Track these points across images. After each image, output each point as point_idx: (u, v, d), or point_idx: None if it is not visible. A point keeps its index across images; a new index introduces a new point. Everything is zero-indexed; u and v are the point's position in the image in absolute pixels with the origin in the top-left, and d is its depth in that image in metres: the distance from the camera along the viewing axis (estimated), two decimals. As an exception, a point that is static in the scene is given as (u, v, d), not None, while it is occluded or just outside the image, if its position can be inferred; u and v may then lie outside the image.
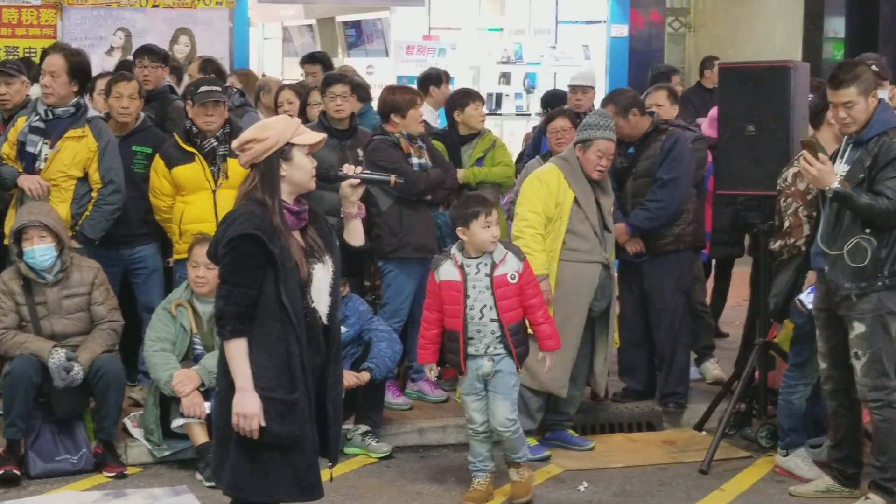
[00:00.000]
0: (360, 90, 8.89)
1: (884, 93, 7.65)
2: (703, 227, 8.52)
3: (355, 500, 6.56)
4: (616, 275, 7.60)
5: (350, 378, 7.02)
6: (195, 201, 7.40)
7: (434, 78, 9.53)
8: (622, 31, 13.17)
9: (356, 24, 16.13)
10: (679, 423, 7.89)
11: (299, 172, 4.58)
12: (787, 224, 6.75)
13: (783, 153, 7.11)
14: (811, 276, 6.54)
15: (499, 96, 13.36)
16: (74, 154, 7.22)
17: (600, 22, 13.50)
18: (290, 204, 4.58)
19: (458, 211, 6.44)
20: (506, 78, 13.88)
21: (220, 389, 4.62)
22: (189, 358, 6.94)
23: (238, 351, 4.46)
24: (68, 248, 6.95)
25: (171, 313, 6.99)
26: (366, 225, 5.30)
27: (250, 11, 12.40)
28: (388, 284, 7.77)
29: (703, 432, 7.64)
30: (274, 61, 18.84)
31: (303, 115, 8.43)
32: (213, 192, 7.40)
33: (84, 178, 7.27)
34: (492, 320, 6.30)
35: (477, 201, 6.41)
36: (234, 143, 4.64)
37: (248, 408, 4.44)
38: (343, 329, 7.23)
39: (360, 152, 7.73)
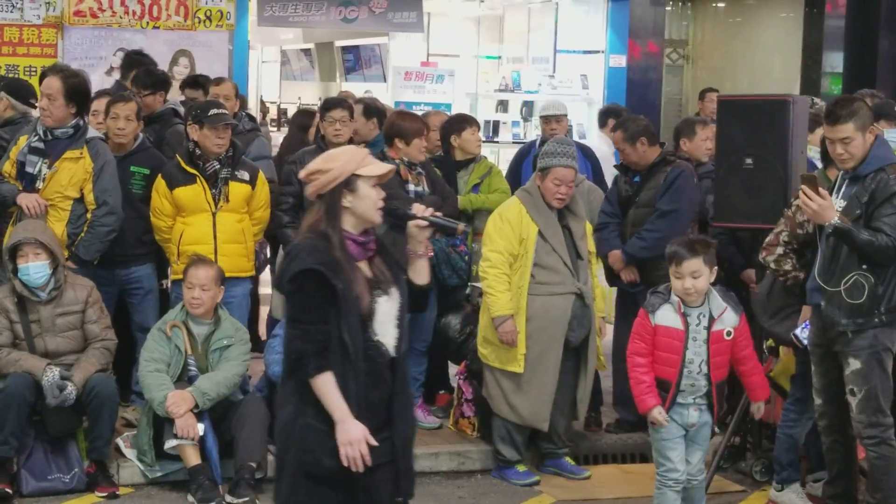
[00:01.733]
0: (380, 115, 8.87)
1: (893, 132, 7.64)
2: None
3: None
4: (608, 300, 7.59)
5: None
6: (195, 222, 7.40)
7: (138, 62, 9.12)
8: (620, 61, 13.22)
9: (354, 50, 16.19)
10: (672, 455, 7.86)
11: (363, 204, 4.48)
12: (768, 239, 6.77)
13: (781, 186, 7.12)
14: (806, 311, 6.53)
15: (496, 124, 13.38)
16: (71, 175, 7.22)
17: (599, 52, 13.55)
18: (354, 234, 4.49)
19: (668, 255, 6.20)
20: (503, 105, 13.93)
21: (279, 422, 4.55)
22: (183, 379, 6.93)
23: (328, 385, 4.36)
24: (62, 266, 6.94)
25: (165, 334, 6.98)
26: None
27: (250, 35, 12.43)
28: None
29: (697, 465, 7.62)
30: (272, 84, 18.93)
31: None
32: (213, 214, 7.41)
33: (81, 199, 7.27)
34: (703, 375, 6.09)
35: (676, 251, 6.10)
36: (302, 174, 4.55)
37: (352, 435, 4.34)
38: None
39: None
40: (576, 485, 7.28)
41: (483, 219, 8.15)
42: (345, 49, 16.46)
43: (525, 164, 9.10)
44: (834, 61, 13.24)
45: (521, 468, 7.30)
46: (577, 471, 7.42)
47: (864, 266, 6.11)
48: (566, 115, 9.89)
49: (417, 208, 4.66)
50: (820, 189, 6.09)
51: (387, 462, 4.49)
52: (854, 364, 6.20)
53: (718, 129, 7.68)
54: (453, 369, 8.26)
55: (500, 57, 14.63)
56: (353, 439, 4.34)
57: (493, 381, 7.31)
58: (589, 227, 7.47)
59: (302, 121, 9.86)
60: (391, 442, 4.51)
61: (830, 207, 6.05)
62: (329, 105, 7.97)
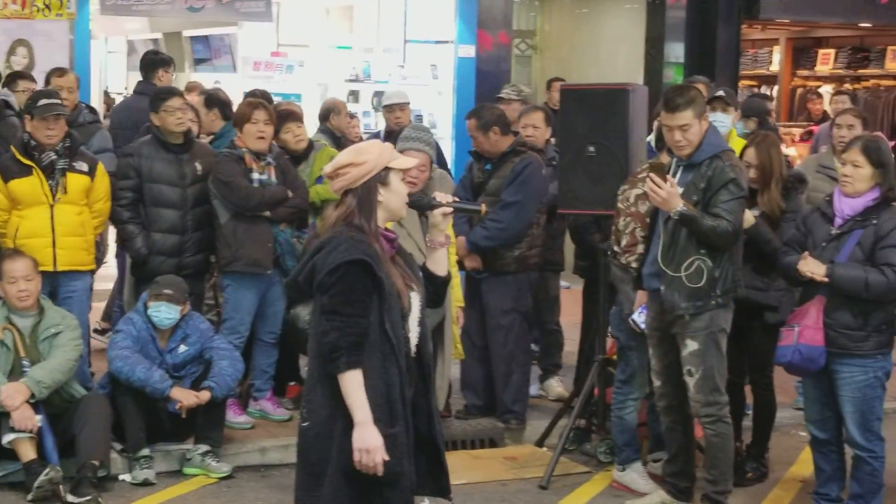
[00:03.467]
0: (222, 105, 8.79)
1: (727, 117, 7.84)
2: (560, 248, 8.65)
3: (193, 520, 6.49)
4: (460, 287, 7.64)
5: (190, 397, 6.95)
6: (31, 215, 7.25)
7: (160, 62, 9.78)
8: (469, 51, 13.25)
9: (204, 39, 15.97)
10: (521, 439, 7.97)
11: (395, 198, 4.39)
12: (623, 242, 6.88)
13: (622, 173, 7.24)
14: (641, 295, 6.66)
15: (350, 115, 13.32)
16: None
17: (448, 42, 13.59)
18: (383, 231, 4.39)
19: None
20: (354, 96, 13.89)
21: (314, 425, 4.33)
22: (15, 374, 6.78)
23: (356, 383, 4.21)
24: None
25: (-5, 337, 6.82)
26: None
27: (92, 24, 12.15)
28: (226, 299, 7.74)
29: (545, 448, 7.72)
30: (118, 75, 18.57)
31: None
32: (51, 206, 7.26)
33: None
34: None
35: None
36: (327, 169, 4.40)
37: (370, 442, 4.20)
38: (184, 348, 7.18)
39: (198, 166, 7.67)
40: (425, 472, 7.31)
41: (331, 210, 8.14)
42: (194, 39, 16.22)
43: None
44: (676, 51, 13.51)
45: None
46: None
47: (703, 251, 6.25)
48: (409, 104, 9.91)
49: (440, 196, 4.58)
50: (668, 177, 6.19)
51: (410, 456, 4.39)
52: (691, 345, 6.35)
53: (561, 117, 7.78)
54: (303, 361, 8.23)
55: (350, 47, 14.56)
56: (372, 447, 4.21)
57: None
58: None
59: None
60: (431, 439, 4.45)
61: (677, 195, 6.16)
62: (164, 95, 7.80)
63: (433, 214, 4.54)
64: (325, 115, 10.35)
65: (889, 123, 15.81)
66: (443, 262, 4.63)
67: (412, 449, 4.38)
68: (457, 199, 4.63)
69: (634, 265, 6.77)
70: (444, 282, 4.65)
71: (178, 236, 7.64)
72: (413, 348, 4.41)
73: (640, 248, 6.76)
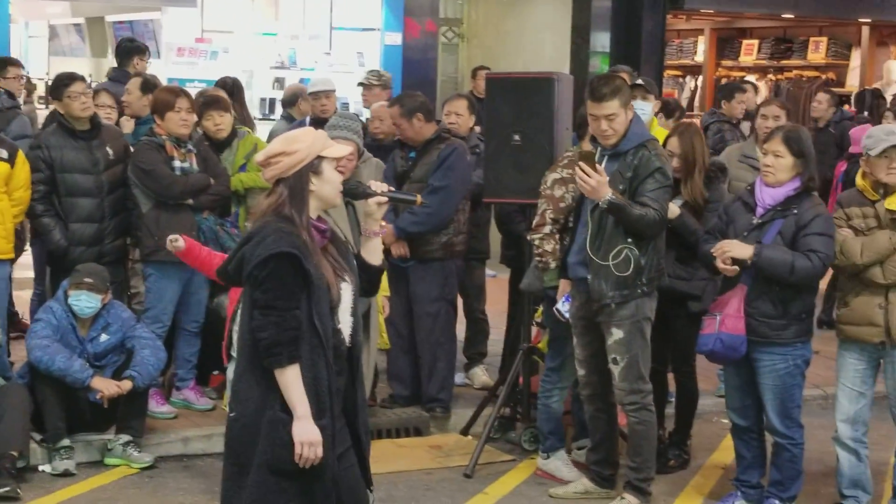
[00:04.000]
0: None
1: (647, 105, 7.88)
2: (486, 237, 8.66)
3: (114, 511, 6.42)
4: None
5: (111, 387, 6.87)
6: None
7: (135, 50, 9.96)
8: (396, 39, 13.25)
9: (127, 25, 15.78)
10: (446, 428, 7.97)
11: (328, 187, 4.36)
12: (534, 222, 6.92)
13: (547, 162, 7.25)
14: (564, 284, 6.68)
15: (272, 101, 13.26)
16: None
17: (374, 30, 13.56)
18: (315, 221, 4.36)
19: None
20: (280, 83, 13.80)
21: (240, 416, 4.31)
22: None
23: (295, 377, 4.20)
24: None
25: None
26: None
27: (11, 7, 11.97)
28: (148, 288, 7.65)
29: (469, 437, 7.73)
30: (40, 60, 18.28)
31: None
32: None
33: None
34: None
35: None
36: (258, 158, 4.36)
37: (312, 436, 4.21)
38: (105, 337, 7.09)
39: (110, 150, 7.56)
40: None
41: (255, 197, 8.07)
42: (117, 24, 16.02)
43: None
44: (602, 41, 13.60)
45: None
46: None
47: (630, 239, 6.28)
48: (334, 91, 9.87)
49: (377, 185, 4.55)
50: (597, 166, 6.21)
51: (346, 450, 4.39)
52: (617, 334, 6.38)
53: (487, 106, 7.77)
54: (227, 349, 8.17)
55: (276, 34, 14.46)
56: (313, 440, 4.21)
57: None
58: None
59: None
60: (353, 430, 4.43)
61: (606, 184, 6.18)
62: (66, 81, 7.62)
63: (368, 204, 4.53)
64: (291, 101, 10.30)
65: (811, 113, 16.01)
66: (377, 251, 4.62)
67: (341, 441, 4.36)
68: (392, 189, 4.62)
69: (537, 244, 6.81)
70: (379, 271, 4.65)
71: (96, 224, 7.54)
72: (347, 339, 4.40)
73: (548, 230, 6.80)
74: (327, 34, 13.79)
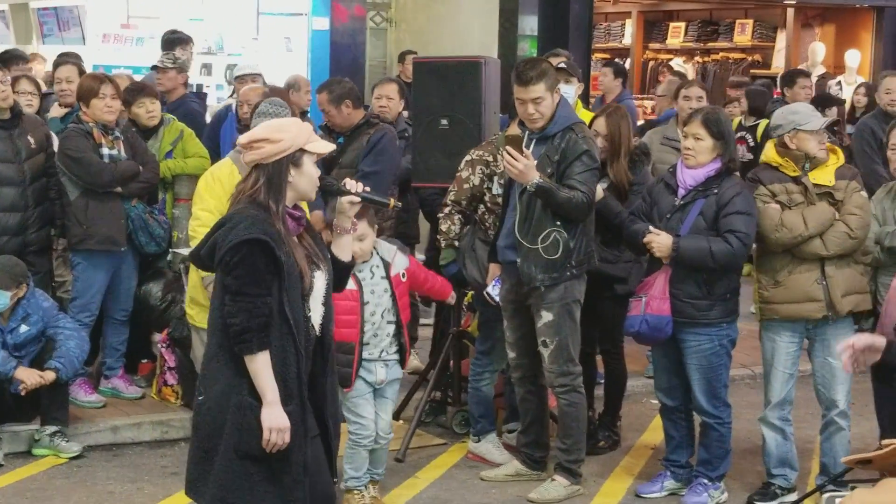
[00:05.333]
0: None
1: (570, 88, 7.92)
2: (416, 221, 8.66)
3: (43, 502, 6.36)
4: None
5: (34, 377, 6.79)
6: None
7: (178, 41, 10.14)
8: (324, 23, 13.19)
9: (52, 11, 15.58)
10: (377, 412, 7.96)
11: (306, 180, 4.39)
12: (444, 200, 6.97)
13: (475, 146, 7.27)
14: (494, 268, 6.70)
15: (199, 87, 13.15)
16: None
17: (302, 14, 13.49)
18: (290, 209, 4.38)
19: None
20: (207, 69, 13.70)
21: (207, 400, 4.34)
22: None
23: (265, 363, 4.25)
24: None
25: None
26: None
27: (-68, -7, 11.77)
28: (76, 277, 7.58)
29: (401, 421, 7.72)
30: (-38, 47, 17.96)
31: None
32: None
33: None
34: (390, 322, 6.19)
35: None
36: (242, 140, 4.38)
37: (280, 422, 4.26)
38: (25, 327, 7.00)
39: (31, 139, 7.46)
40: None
41: (183, 184, 8.03)
42: (41, 10, 15.81)
43: (224, 128, 8.96)
44: (530, 24, 13.61)
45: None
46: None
47: (558, 222, 6.31)
48: (261, 75, 9.82)
49: (351, 184, 4.58)
50: (524, 150, 6.23)
51: (312, 438, 4.42)
52: (546, 316, 6.41)
53: (414, 91, 7.77)
54: (156, 338, 8.11)
55: (202, 19, 14.34)
56: (282, 426, 4.26)
57: (200, 342, 7.18)
58: None
59: None
60: (322, 419, 4.46)
61: (533, 167, 6.20)
62: None
63: (341, 202, 4.58)
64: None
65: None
66: (347, 247, 4.66)
67: (309, 428, 4.41)
68: (367, 189, 4.66)
69: (440, 224, 6.96)
70: (348, 267, 4.70)
71: (20, 213, 7.43)
72: (317, 327, 4.44)
73: (447, 210, 6.91)
74: (254, 19, 13.71)
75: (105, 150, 7.48)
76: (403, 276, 6.28)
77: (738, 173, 6.40)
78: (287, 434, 4.28)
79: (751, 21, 17.60)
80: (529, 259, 6.35)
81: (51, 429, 6.95)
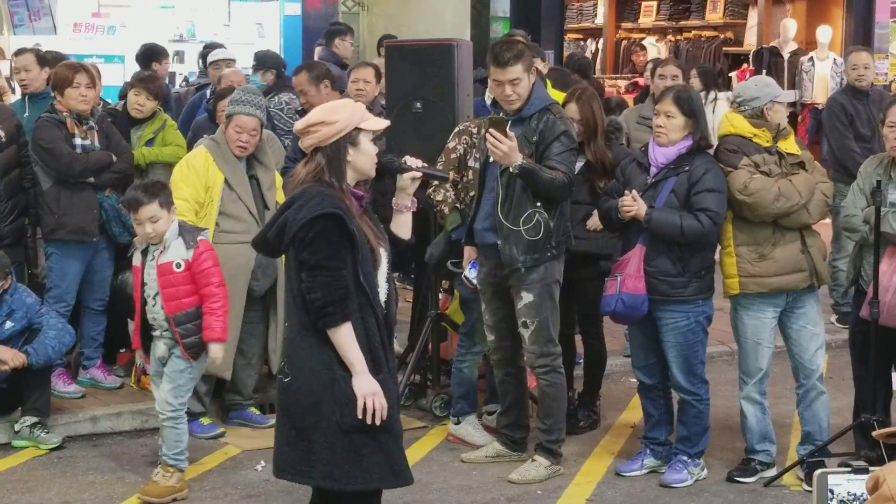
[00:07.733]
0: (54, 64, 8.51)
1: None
2: (390, 205, 8.64)
3: (23, 493, 6.34)
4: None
5: (7, 352, 6.78)
6: None
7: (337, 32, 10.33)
8: (295, 9, 13.17)
9: (22, 1, 15.49)
10: (357, 397, 7.97)
11: (364, 158, 4.41)
12: None
13: (449, 129, 7.27)
14: (470, 251, 6.70)
15: (172, 75, 13.10)
16: None
17: (274, 0, 13.47)
18: (352, 188, 4.41)
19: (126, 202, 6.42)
20: (179, 56, 13.67)
21: (296, 380, 4.35)
22: None
23: (349, 335, 4.27)
24: None
25: None
26: None
27: None
28: (51, 268, 7.54)
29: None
30: (-69, 39, 17.84)
31: None
32: None
33: None
34: (160, 307, 6.26)
35: (134, 197, 6.27)
36: (298, 126, 4.41)
37: (374, 387, 4.28)
38: (10, 324, 6.97)
39: (1, 132, 7.41)
40: (262, 434, 7.24)
41: (157, 173, 8.01)
42: (12, 0, 15.72)
43: (198, 115, 8.95)
44: (502, 6, 13.62)
45: (205, 421, 7.24)
46: (263, 420, 7.40)
47: (539, 203, 6.32)
48: (235, 61, 9.81)
49: (412, 161, 4.61)
50: (508, 132, 6.23)
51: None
52: (527, 298, 6.42)
53: (388, 74, 7.77)
54: (132, 327, 8.09)
55: (174, 6, 14.30)
56: (376, 391, 4.29)
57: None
58: (279, 179, 7.41)
59: None
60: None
61: (516, 149, 6.20)
62: None
63: (402, 178, 4.60)
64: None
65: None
66: (407, 225, 4.70)
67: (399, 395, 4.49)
68: (425, 165, 4.69)
69: (430, 197, 6.99)
70: (407, 245, 4.75)
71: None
72: (383, 304, 4.46)
73: (432, 188, 6.96)
74: (226, 6, 13.68)
75: (78, 141, 7.44)
76: (178, 267, 6.27)
77: (710, 151, 6.43)
78: (382, 397, 4.30)
79: (722, -2, 17.60)
80: (510, 240, 6.35)
81: (31, 420, 6.94)
